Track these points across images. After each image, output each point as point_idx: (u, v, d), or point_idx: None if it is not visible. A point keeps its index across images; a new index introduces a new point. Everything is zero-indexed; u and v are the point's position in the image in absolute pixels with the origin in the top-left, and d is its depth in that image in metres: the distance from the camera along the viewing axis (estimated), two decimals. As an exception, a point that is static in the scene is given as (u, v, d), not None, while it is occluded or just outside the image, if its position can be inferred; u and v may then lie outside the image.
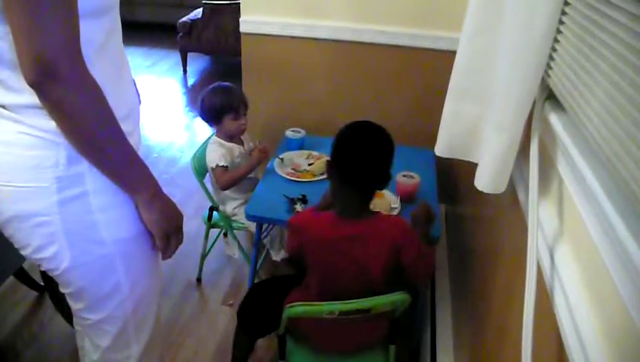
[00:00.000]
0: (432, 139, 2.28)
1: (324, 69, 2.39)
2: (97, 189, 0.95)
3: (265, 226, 2.09)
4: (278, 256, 2.19)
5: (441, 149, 1.09)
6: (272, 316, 1.52)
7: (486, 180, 0.93)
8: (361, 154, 1.30)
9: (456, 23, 2.13)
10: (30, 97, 0.85)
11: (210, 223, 2.21)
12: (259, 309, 1.65)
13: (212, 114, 2.06)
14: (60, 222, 0.94)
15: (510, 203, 1.15)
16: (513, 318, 1.07)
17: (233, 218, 2.15)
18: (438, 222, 1.78)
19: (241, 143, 2.15)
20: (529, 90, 0.84)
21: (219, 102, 2.04)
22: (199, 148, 2.14)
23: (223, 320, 2.13)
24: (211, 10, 4.65)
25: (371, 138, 1.32)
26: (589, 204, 0.72)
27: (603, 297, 0.68)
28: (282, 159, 2.10)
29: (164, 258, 1.11)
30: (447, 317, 1.84)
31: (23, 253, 1.00)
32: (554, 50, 0.84)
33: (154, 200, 1.01)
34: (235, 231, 2.19)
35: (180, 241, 1.10)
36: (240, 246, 2.22)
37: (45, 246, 0.96)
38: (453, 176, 2.28)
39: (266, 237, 2.15)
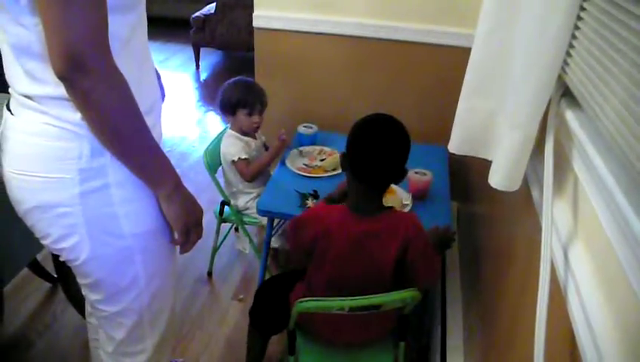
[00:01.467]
0: (445, 135, 2.26)
1: (337, 65, 2.38)
2: (119, 182, 0.96)
3: (276, 221, 2.10)
4: (277, 242, 2.25)
5: (454, 146, 1.08)
6: (283, 312, 1.53)
7: (500, 177, 0.92)
8: (376, 152, 1.26)
9: (471, 19, 2.12)
10: (55, 88, 0.86)
11: (221, 218, 2.21)
12: (270, 307, 1.65)
13: (227, 106, 2.08)
14: (81, 213, 0.95)
15: (524, 201, 1.14)
16: (526, 317, 1.06)
17: (245, 212, 2.16)
18: (450, 220, 1.78)
19: (254, 137, 2.16)
20: (545, 87, 0.83)
21: (235, 96, 2.06)
22: (211, 142, 2.14)
23: (234, 315, 2.14)
24: (224, 5, 4.66)
25: (386, 135, 1.27)
26: (605, 203, 0.71)
27: (618, 296, 0.67)
28: (301, 151, 2.12)
29: (182, 252, 1.11)
30: (458, 314, 1.83)
31: (44, 242, 1.02)
32: (571, 46, 0.83)
33: (175, 194, 1.02)
34: (245, 225, 2.20)
35: (199, 235, 1.11)
36: (251, 241, 2.23)
37: (66, 237, 0.98)
38: (466, 174, 2.27)
39: (277, 232, 2.16)
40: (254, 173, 2.06)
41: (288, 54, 2.40)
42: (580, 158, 0.82)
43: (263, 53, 2.43)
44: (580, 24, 0.82)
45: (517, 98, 0.86)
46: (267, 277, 2.04)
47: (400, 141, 1.28)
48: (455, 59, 2.18)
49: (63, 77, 0.80)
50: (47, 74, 0.85)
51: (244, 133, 2.11)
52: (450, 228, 1.56)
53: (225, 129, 2.17)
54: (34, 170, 0.93)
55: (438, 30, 2.21)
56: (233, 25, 4.70)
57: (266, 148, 2.22)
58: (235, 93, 2.06)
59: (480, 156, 1.06)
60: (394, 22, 2.24)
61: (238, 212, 2.16)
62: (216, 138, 2.17)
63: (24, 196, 0.96)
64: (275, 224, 2.05)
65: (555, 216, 0.86)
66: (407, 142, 1.29)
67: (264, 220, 2.00)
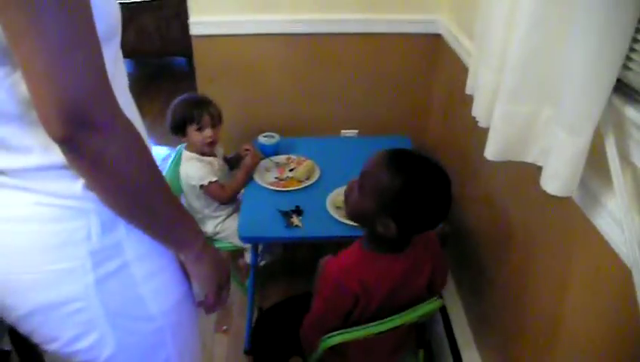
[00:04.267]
0: (403, 125, 2.24)
1: (287, 66, 2.25)
2: (139, 256, 0.80)
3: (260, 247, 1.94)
4: (261, 261, 2.11)
5: (493, 153, 1.01)
6: (286, 342, 1.43)
7: (559, 185, 0.86)
8: (437, 212, 1.15)
9: (417, 5, 2.08)
10: (41, 157, 0.69)
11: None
12: (272, 341, 1.54)
13: (176, 127, 1.89)
14: (100, 304, 0.77)
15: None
16: (568, 310, 1.03)
17: (216, 237, 1.99)
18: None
19: (214, 155, 1.99)
20: (606, 86, 0.77)
21: (180, 114, 1.87)
22: (168, 168, 1.94)
23: (221, 348, 1.99)
24: (129, 10, 4.30)
25: (440, 184, 1.13)
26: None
27: None
28: (268, 164, 1.98)
29: (211, 311, 0.97)
30: (459, 310, 1.80)
31: (48, 347, 0.82)
32: (635, 40, 0.78)
33: (203, 254, 0.87)
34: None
35: (229, 292, 0.98)
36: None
37: (82, 336, 0.79)
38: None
39: (262, 259, 2.01)
40: (230, 195, 1.90)
41: (233, 60, 2.22)
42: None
43: (204, 62, 2.24)
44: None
45: (574, 101, 0.80)
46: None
47: (447, 184, 1.14)
48: (401, 45, 2.14)
49: (66, 139, 0.62)
50: (30, 139, 0.68)
51: (203, 153, 1.93)
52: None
53: (179, 150, 1.98)
54: (28, 267, 0.73)
55: (378, 19, 2.14)
56: (142, 31, 4.37)
57: (227, 160, 2.06)
58: (180, 111, 1.88)
59: (521, 160, 1.00)
60: (334, 14, 2.13)
61: (208, 238, 1.99)
62: (172, 161, 1.97)
63: (17, 301, 0.77)
64: (259, 250, 1.90)
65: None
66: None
67: (240, 243, 1.85)
